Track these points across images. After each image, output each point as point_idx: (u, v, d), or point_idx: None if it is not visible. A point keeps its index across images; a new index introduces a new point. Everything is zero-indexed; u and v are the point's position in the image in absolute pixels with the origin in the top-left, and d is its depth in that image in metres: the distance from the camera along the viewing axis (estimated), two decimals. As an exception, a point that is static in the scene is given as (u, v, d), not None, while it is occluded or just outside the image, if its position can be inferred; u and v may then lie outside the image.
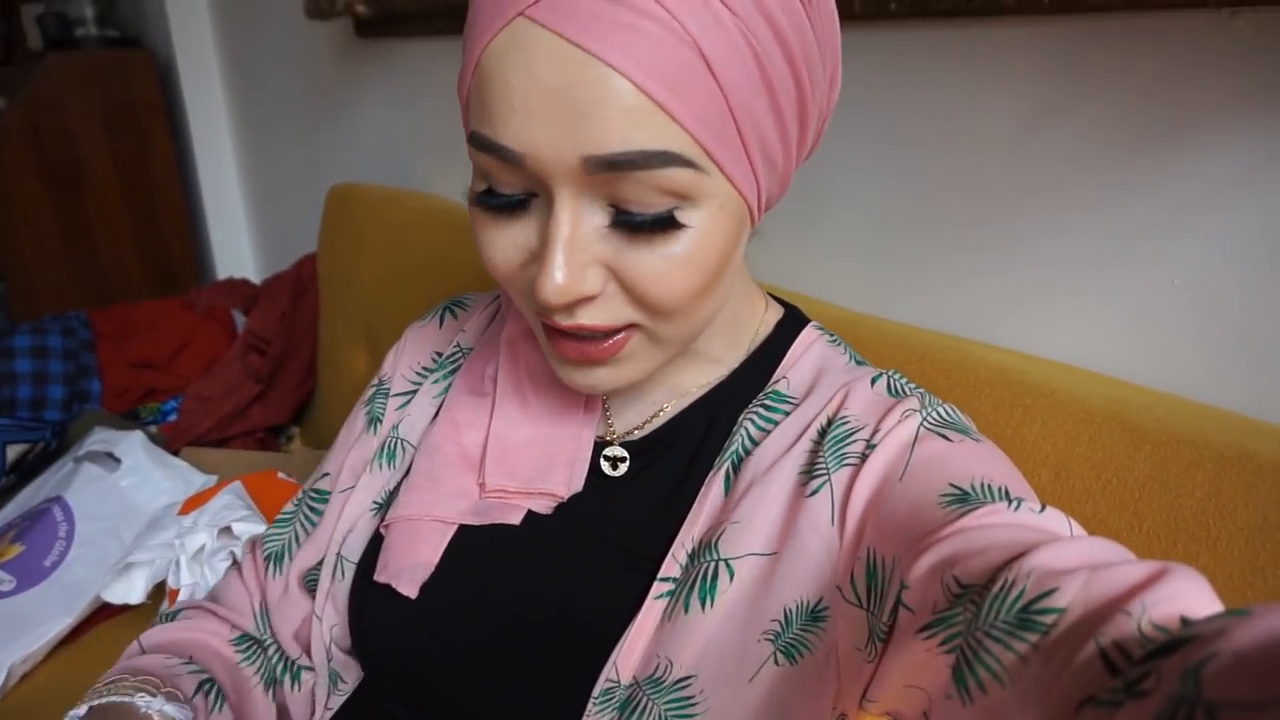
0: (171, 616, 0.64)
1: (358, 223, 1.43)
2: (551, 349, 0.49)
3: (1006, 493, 0.42)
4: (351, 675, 0.61)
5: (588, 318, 0.45)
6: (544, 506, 0.55)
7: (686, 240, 0.43)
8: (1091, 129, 0.66)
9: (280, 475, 1.15)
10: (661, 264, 0.43)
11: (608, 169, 0.40)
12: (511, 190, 0.44)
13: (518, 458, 0.56)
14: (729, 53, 0.40)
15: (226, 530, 0.95)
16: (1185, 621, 0.28)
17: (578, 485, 0.55)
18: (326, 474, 0.66)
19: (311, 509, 0.65)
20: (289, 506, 0.68)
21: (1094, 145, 0.66)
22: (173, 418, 1.51)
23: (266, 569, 0.65)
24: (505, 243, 0.46)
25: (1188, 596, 0.29)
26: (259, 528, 0.95)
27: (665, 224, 0.42)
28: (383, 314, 1.33)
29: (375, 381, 0.68)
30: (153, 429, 1.46)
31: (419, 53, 1.43)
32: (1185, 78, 0.60)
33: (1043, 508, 0.40)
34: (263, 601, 0.65)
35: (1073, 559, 0.33)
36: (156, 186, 2.17)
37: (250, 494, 1.05)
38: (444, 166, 1.46)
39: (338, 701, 0.60)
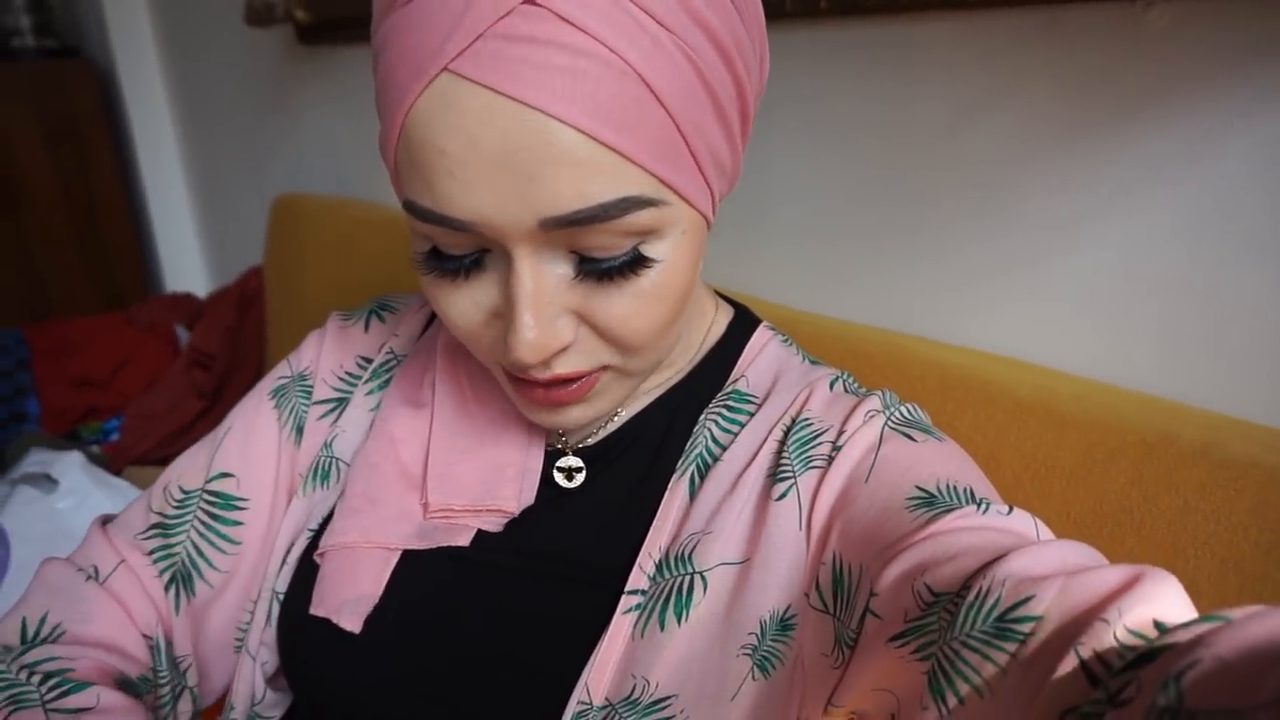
0: (59, 685, 0.49)
1: (302, 233, 1.41)
2: (518, 396, 0.47)
3: (972, 494, 0.42)
4: (273, 712, 0.57)
5: (564, 367, 0.44)
6: (494, 524, 0.52)
7: (654, 275, 0.41)
8: (1016, 123, 0.66)
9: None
10: (632, 303, 0.41)
11: (567, 226, 0.38)
12: (461, 251, 0.42)
13: (462, 473, 0.53)
14: (671, 74, 0.37)
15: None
16: (1161, 628, 0.28)
17: (529, 499, 0.52)
18: (229, 474, 0.57)
19: (213, 516, 0.57)
20: (168, 508, 0.57)
21: (1019, 139, 0.67)
22: (115, 437, 1.47)
23: (169, 592, 0.56)
24: (465, 304, 0.43)
25: (1162, 601, 0.29)
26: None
27: (633, 264, 0.41)
28: (330, 324, 1.31)
29: (290, 372, 0.61)
30: (94, 449, 1.42)
31: (362, 59, 1.41)
32: (1105, 70, 0.61)
33: (1010, 509, 0.40)
34: (166, 633, 0.56)
35: (1046, 565, 0.33)
36: (100, 199, 2.12)
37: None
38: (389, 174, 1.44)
39: None
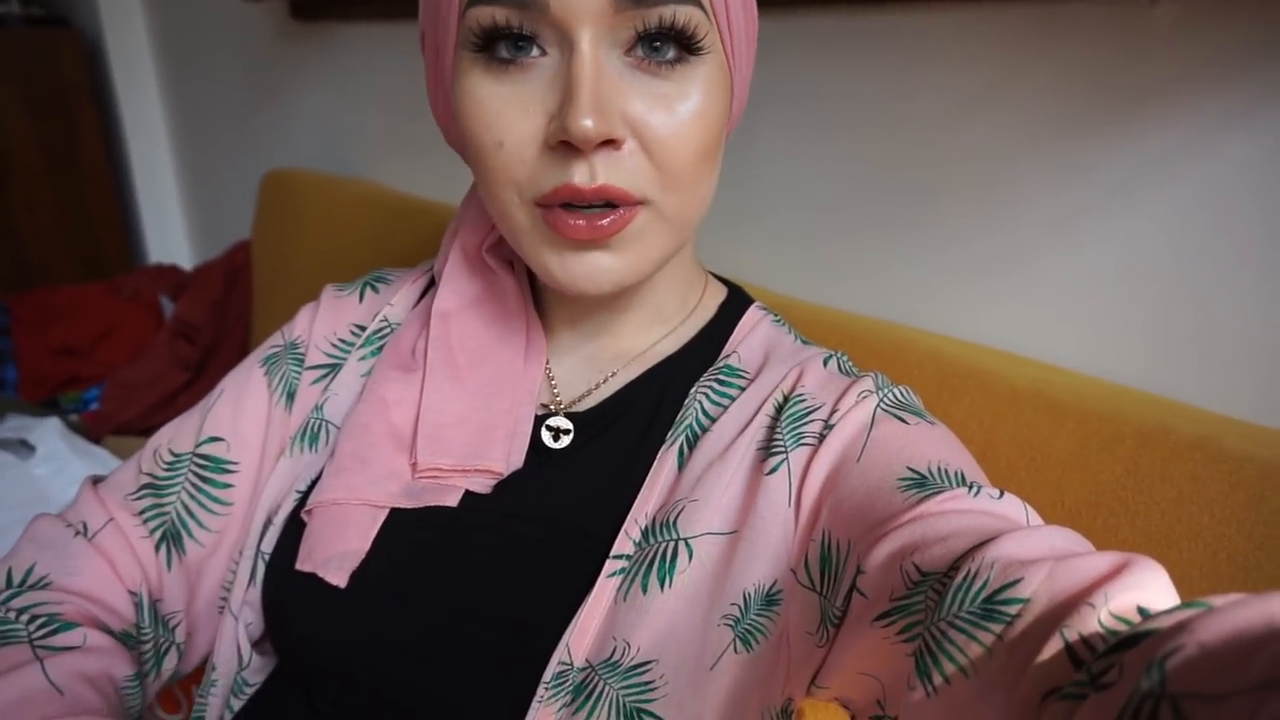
0: (47, 623, 0.50)
1: (293, 208, 1.40)
2: (552, 237, 0.47)
3: (963, 477, 0.42)
4: (258, 678, 0.57)
5: (608, 175, 0.44)
6: (482, 485, 0.52)
7: (694, 94, 0.45)
8: (1017, 117, 0.67)
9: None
10: (674, 119, 0.44)
11: (634, 4, 0.42)
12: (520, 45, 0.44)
13: (452, 434, 0.53)
14: None
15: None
16: (1145, 613, 0.28)
17: (518, 461, 0.53)
18: (219, 438, 0.58)
19: (204, 479, 0.58)
20: (158, 469, 0.58)
21: (1020, 133, 0.67)
22: (94, 406, 1.45)
23: (160, 549, 0.57)
24: (515, 109, 0.44)
25: (1148, 588, 0.29)
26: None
27: (677, 60, 0.44)
28: (318, 301, 1.30)
29: (283, 341, 0.62)
30: (73, 418, 1.40)
31: (358, 37, 1.40)
32: (1108, 65, 0.61)
33: (1000, 493, 0.40)
34: (151, 591, 0.56)
35: (1036, 549, 0.34)
36: (84, 170, 2.09)
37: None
38: (383, 153, 1.43)
39: (239, 704, 0.56)
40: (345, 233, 1.27)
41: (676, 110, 0.44)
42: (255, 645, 0.57)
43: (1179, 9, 0.58)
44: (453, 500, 0.52)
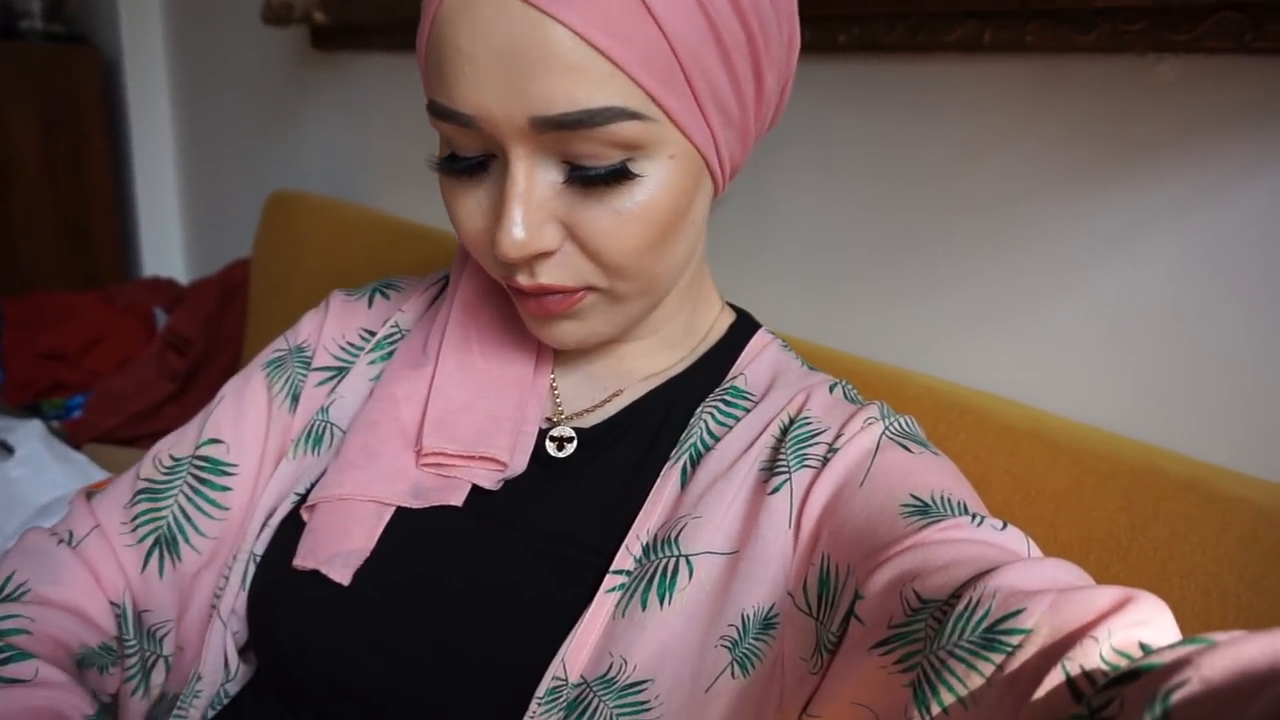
0: (2, 649, 0.48)
1: (295, 230, 1.41)
2: (519, 305, 0.50)
3: (965, 508, 0.42)
4: (237, 687, 0.55)
5: (548, 276, 0.46)
6: (488, 479, 0.52)
7: (639, 193, 0.43)
8: (1021, 166, 0.68)
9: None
10: (614, 219, 0.44)
11: (555, 128, 0.41)
12: (471, 153, 0.45)
13: (459, 420, 0.53)
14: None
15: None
16: (1147, 649, 0.28)
17: (522, 460, 0.52)
18: (219, 440, 0.58)
19: (202, 480, 0.57)
20: (156, 474, 0.57)
21: (1023, 182, 0.68)
22: (77, 414, 1.44)
23: (150, 557, 0.55)
24: (470, 206, 0.46)
25: (1152, 624, 0.29)
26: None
27: (618, 176, 0.43)
28: (313, 321, 1.30)
29: (287, 346, 0.62)
30: (55, 424, 1.38)
31: (373, 67, 1.43)
32: (1111, 119, 0.63)
33: (1003, 525, 0.40)
34: (136, 601, 0.55)
35: (1037, 581, 0.33)
36: (88, 186, 2.10)
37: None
38: (389, 182, 1.45)
39: (211, 714, 0.54)
40: (346, 255, 1.27)
41: (617, 208, 0.44)
42: (243, 654, 0.55)
43: (1182, 67, 0.60)
44: (458, 499, 0.51)
